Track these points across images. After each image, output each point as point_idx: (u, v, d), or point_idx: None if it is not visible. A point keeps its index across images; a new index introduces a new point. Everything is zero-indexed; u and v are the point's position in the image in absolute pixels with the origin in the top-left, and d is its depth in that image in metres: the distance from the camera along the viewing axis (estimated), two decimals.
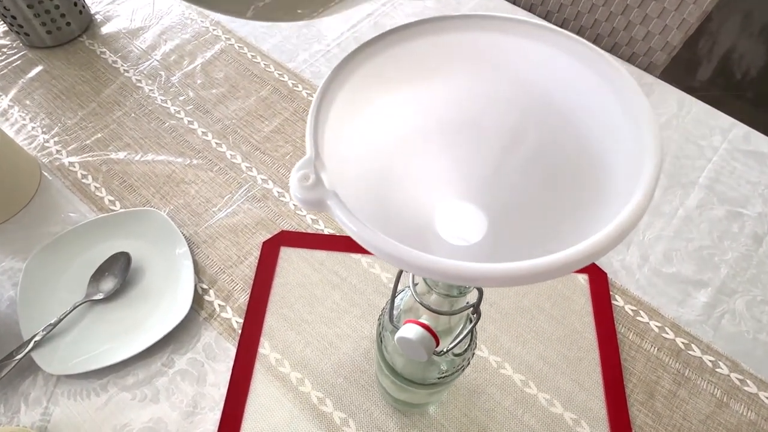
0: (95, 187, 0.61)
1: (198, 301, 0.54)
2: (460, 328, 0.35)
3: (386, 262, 0.18)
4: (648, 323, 0.53)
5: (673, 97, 0.70)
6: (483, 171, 0.27)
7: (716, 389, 0.50)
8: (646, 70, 0.77)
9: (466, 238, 0.26)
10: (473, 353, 0.38)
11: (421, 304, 0.30)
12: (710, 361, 0.51)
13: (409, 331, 0.31)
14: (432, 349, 0.31)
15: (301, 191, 0.20)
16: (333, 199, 0.20)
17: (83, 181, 0.62)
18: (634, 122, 0.21)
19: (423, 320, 0.31)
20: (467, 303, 0.31)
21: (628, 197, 0.19)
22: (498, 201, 0.27)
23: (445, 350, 0.33)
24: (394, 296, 0.35)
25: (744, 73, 1.38)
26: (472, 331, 0.35)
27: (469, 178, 0.27)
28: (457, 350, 0.36)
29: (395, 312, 0.36)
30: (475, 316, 0.32)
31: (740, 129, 0.67)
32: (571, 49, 0.24)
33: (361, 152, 0.24)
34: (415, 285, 0.31)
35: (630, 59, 0.80)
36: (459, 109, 0.26)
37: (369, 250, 0.19)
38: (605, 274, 0.56)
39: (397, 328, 0.32)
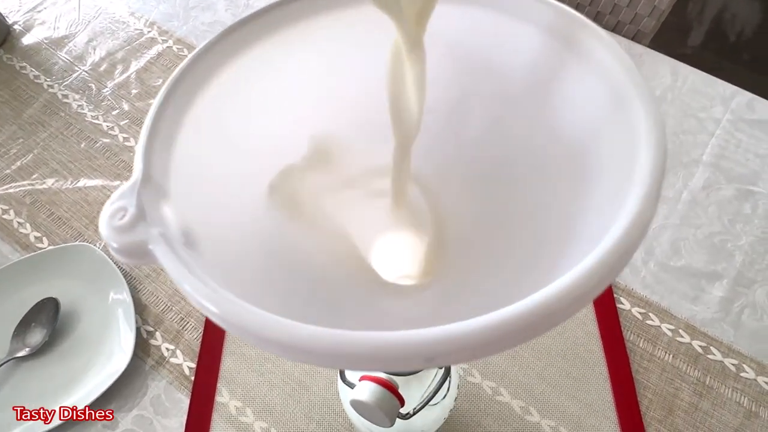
0: (18, 222, 0.54)
1: (142, 346, 0.47)
2: (432, 376, 0.28)
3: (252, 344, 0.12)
4: (659, 327, 0.48)
5: (666, 66, 0.63)
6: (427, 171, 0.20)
7: (743, 397, 0.45)
8: (633, 39, 0.71)
9: (410, 275, 0.20)
10: (453, 402, 0.31)
11: None
12: (733, 364, 0.47)
13: (365, 392, 0.24)
14: (395, 413, 0.25)
15: (112, 233, 0.13)
16: (158, 242, 0.12)
17: (4, 216, 0.55)
18: (619, 94, 0.14)
19: (382, 376, 0.25)
20: None
21: (623, 194, 0.13)
22: (449, 216, 0.20)
23: (413, 412, 0.26)
24: None
25: (738, 35, 1.31)
26: (447, 376, 0.29)
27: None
28: (433, 402, 0.29)
29: None
30: None
31: (743, 96, 0.61)
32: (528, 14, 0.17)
33: (244, 168, 0.17)
34: None
35: (615, 28, 0.73)
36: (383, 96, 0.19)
37: (218, 323, 0.12)
38: None
39: (352, 386, 0.26)
